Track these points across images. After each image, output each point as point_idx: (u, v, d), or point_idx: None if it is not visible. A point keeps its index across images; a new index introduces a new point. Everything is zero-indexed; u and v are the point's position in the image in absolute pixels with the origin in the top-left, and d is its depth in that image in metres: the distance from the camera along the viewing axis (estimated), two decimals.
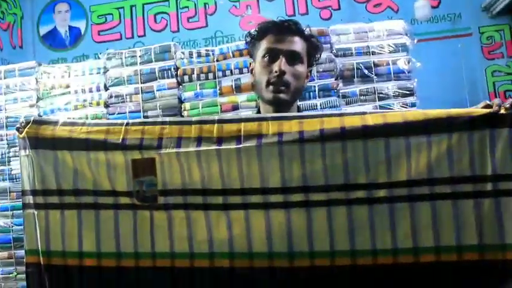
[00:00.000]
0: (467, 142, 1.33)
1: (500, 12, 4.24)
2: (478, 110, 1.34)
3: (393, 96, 3.23)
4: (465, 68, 4.30)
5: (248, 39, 1.78)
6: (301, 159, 1.37)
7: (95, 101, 3.51)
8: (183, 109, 3.40)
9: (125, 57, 3.52)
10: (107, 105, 3.51)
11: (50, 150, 1.50)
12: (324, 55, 3.26)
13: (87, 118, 3.47)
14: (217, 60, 3.41)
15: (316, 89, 3.26)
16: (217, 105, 3.33)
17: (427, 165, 1.34)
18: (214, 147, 1.40)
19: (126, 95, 3.47)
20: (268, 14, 4.92)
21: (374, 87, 3.24)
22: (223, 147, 1.40)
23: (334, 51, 3.29)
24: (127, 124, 1.49)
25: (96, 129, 1.48)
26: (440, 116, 1.34)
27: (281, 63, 1.61)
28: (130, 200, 1.46)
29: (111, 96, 3.49)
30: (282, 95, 1.63)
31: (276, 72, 1.61)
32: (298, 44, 1.67)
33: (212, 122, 1.44)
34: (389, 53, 3.27)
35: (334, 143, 1.36)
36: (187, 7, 5.13)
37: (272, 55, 1.64)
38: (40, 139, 1.51)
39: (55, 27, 5.36)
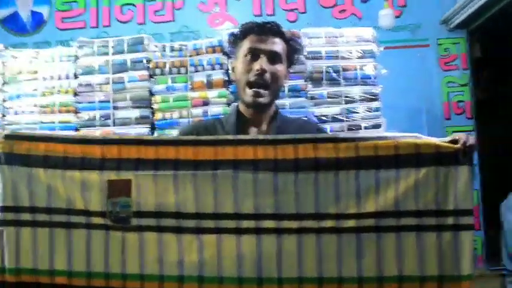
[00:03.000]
0: (433, 177, 1.44)
1: (457, 25, 4.44)
2: (445, 145, 1.45)
3: (359, 100, 3.36)
4: (423, 77, 4.49)
5: (231, 38, 1.83)
6: (274, 188, 1.45)
7: (64, 89, 3.48)
8: (153, 102, 3.42)
9: (97, 47, 3.50)
10: (75, 94, 3.49)
11: (24, 167, 1.50)
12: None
13: (54, 105, 3.45)
14: (190, 56, 3.45)
15: (286, 89, 3.35)
16: (187, 100, 3.37)
17: (395, 198, 1.44)
18: (190, 171, 1.45)
19: (96, 85, 3.45)
20: (235, 13, 4.99)
21: (341, 91, 3.37)
22: (199, 171, 1.45)
23: (305, 53, 3.39)
24: (104, 142, 1.51)
25: (72, 147, 1.50)
26: (409, 152, 1.44)
27: (262, 62, 1.68)
28: (104, 220, 1.48)
29: (80, 85, 3.47)
30: (261, 99, 1.70)
31: (257, 70, 1.67)
32: (279, 45, 1.74)
33: (188, 143, 1.49)
34: (358, 58, 3.40)
35: (307, 173, 1.45)
36: (154, 0, 5.12)
37: (254, 54, 1.70)
38: (15, 155, 1.51)
39: (16, 11, 5.23)
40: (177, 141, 1.54)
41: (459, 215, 1.44)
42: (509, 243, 3.60)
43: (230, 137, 1.57)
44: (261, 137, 1.58)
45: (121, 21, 5.12)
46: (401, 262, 1.43)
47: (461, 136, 1.45)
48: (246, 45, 1.72)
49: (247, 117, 1.78)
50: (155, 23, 5.01)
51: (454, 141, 1.45)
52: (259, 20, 1.85)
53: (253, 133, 1.76)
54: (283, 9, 4.94)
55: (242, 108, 1.80)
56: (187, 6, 5.04)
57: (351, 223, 1.45)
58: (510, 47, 4.57)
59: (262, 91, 1.68)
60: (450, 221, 1.43)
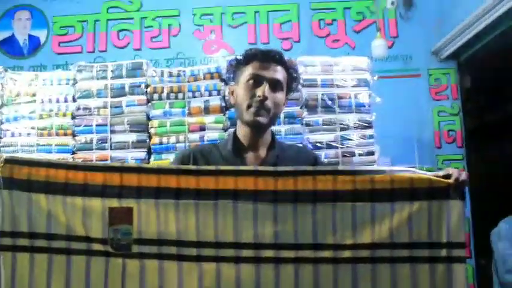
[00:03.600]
0: (426, 211, 1.50)
1: (448, 57, 4.56)
2: (438, 179, 1.52)
3: (353, 127, 3.42)
4: (414, 106, 4.58)
5: (234, 62, 1.89)
6: (273, 218, 1.49)
7: (62, 112, 3.50)
8: (150, 126, 3.45)
9: (96, 71, 3.54)
10: (73, 117, 3.51)
11: (25, 192, 1.51)
12: None
13: (51, 128, 3.46)
14: (188, 81, 3.50)
15: (282, 115, 3.40)
16: (185, 125, 3.41)
17: (389, 230, 1.50)
18: (192, 200, 1.50)
19: (94, 108, 3.48)
20: (231, 40, 5.07)
21: (336, 118, 3.43)
22: (201, 201, 1.50)
23: (301, 81, 3.45)
24: (106, 169, 1.54)
25: (74, 174, 1.51)
26: (404, 186, 1.51)
27: (265, 89, 1.73)
28: (104, 247, 1.50)
29: (78, 108, 3.49)
30: (261, 119, 1.74)
31: (259, 96, 1.72)
32: (280, 73, 1.80)
33: (190, 173, 1.52)
34: (352, 86, 3.47)
35: (305, 205, 1.50)
36: (151, 26, 5.19)
37: (257, 80, 1.75)
38: (15, 180, 1.51)
39: (13, 34, 5.28)
40: (179, 170, 1.56)
41: (452, 247, 1.49)
42: (500, 271, 3.64)
43: (232, 167, 1.59)
44: (261, 168, 1.61)
45: (117, 47, 5.18)
46: None
47: (453, 171, 1.53)
48: (248, 70, 1.77)
49: (245, 142, 1.81)
50: (151, 49, 5.08)
51: (447, 176, 1.52)
52: (254, 48, 1.91)
53: (250, 158, 1.79)
54: (278, 38, 5.03)
55: (240, 133, 1.84)
56: (183, 33, 5.12)
57: (347, 254, 1.49)
58: (498, 77, 4.69)
59: (263, 111, 1.73)
60: (443, 253, 1.49)
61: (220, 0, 5.09)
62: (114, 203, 1.50)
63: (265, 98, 1.72)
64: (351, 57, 3.62)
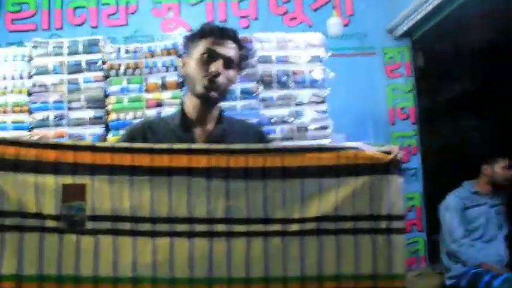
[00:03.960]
0: (368, 186, 1.59)
1: (402, 35, 4.68)
2: (379, 156, 1.61)
3: (308, 103, 3.51)
4: (369, 84, 4.69)
5: (189, 36, 1.89)
6: (226, 194, 1.55)
7: (17, 89, 3.49)
8: (107, 102, 3.47)
9: (52, 47, 3.53)
10: (29, 94, 3.50)
11: None
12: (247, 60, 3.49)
13: (6, 105, 3.45)
14: (145, 57, 3.52)
15: (238, 91, 3.47)
16: (142, 101, 3.44)
17: (335, 204, 1.58)
18: (146, 176, 1.53)
19: (50, 85, 3.48)
20: (189, 18, 5.07)
21: (291, 94, 3.51)
22: (155, 177, 1.53)
23: (257, 57, 3.52)
24: (58, 147, 1.54)
25: (26, 150, 1.51)
26: (349, 162, 1.59)
27: (218, 65, 1.76)
28: (58, 223, 1.50)
29: (34, 85, 3.49)
30: (213, 93, 1.78)
31: (213, 72, 1.75)
32: (234, 51, 1.82)
33: (143, 151, 1.55)
34: (307, 62, 3.55)
35: (256, 181, 1.57)
36: (108, 4, 5.14)
37: (211, 56, 1.77)
38: None
39: None
40: (133, 148, 1.57)
41: (391, 219, 1.58)
42: (446, 240, 3.82)
43: (185, 145, 1.60)
44: (214, 146, 1.63)
45: (73, 24, 5.12)
46: (340, 262, 1.56)
47: (393, 148, 1.62)
48: (203, 44, 1.78)
49: (193, 116, 1.84)
50: (109, 26, 5.02)
51: (388, 152, 1.61)
52: None
53: (198, 132, 1.83)
54: (236, 16, 5.06)
55: (189, 106, 1.86)
56: (141, 11, 5.09)
57: (295, 227, 1.56)
58: (450, 54, 4.84)
59: (215, 86, 1.76)
60: (383, 224, 1.58)
61: None
62: (68, 179, 1.51)
63: (218, 74, 1.75)
64: (306, 34, 3.70)
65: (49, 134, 3.41)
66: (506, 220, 3.99)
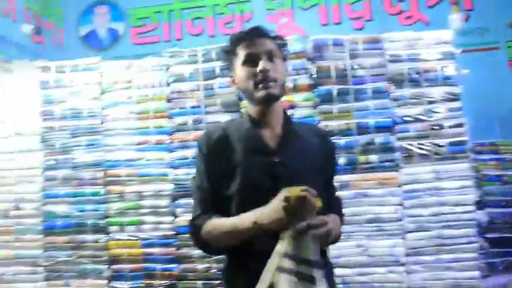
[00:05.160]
0: None
1: None
2: None
3: (440, 100, 3.46)
4: (493, 80, 4.55)
5: (224, 54, 1.87)
6: None
7: (157, 96, 3.69)
8: (242, 106, 3.58)
9: (187, 56, 3.71)
10: (168, 100, 3.70)
11: None
12: (377, 60, 3.51)
13: (148, 112, 3.67)
14: None
15: (369, 91, 3.48)
16: None
17: None
18: None
19: (187, 91, 3.66)
20: (302, 23, 5.16)
21: (423, 92, 3.48)
22: None
23: (387, 56, 3.51)
24: None
25: None
26: None
27: (263, 63, 1.72)
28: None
29: (173, 92, 3.68)
30: (272, 90, 1.73)
31: (261, 71, 1.71)
32: (270, 44, 1.78)
33: None
34: (438, 60, 3.50)
35: None
36: (223, 13, 5.34)
37: (252, 59, 1.74)
38: None
39: (94, 28, 5.54)
40: None
41: None
42: None
43: None
44: None
45: (192, 34, 5.37)
46: None
47: None
48: (241, 53, 1.76)
49: (259, 120, 1.81)
50: (225, 35, 5.20)
51: None
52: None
53: (267, 135, 1.79)
54: (350, 18, 5.09)
55: (254, 109, 1.82)
56: (256, 17, 5.25)
57: None
58: None
59: (271, 83, 1.72)
60: None
61: None
62: None
63: (267, 70, 1.72)
64: (434, 31, 3.64)
65: (188, 137, 3.59)
66: None
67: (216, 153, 1.75)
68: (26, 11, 5.23)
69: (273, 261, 1.38)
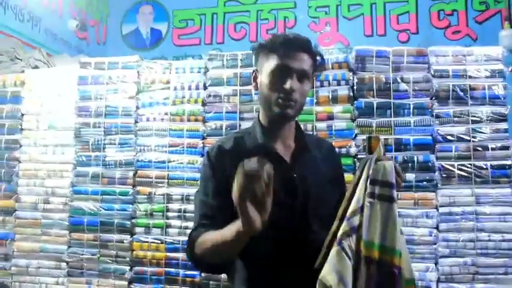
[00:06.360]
0: None
1: None
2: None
3: (486, 120, 3.30)
4: None
5: (258, 49, 1.79)
6: None
7: (193, 99, 3.65)
8: None
9: (226, 59, 3.65)
10: (204, 104, 3.64)
11: None
12: (421, 75, 3.38)
13: (183, 114, 3.63)
14: None
15: (411, 107, 3.35)
16: (312, 114, 3.44)
17: None
18: None
19: (224, 96, 3.60)
20: (346, 32, 5.06)
21: (468, 110, 3.33)
22: None
23: (432, 71, 3.38)
24: None
25: None
26: None
27: (292, 82, 1.66)
28: None
29: (209, 96, 3.63)
30: (290, 111, 1.69)
31: (287, 89, 1.66)
32: (307, 62, 1.70)
33: None
34: (486, 77, 3.35)
35: None
36: (267, 19, 5.29)
37: (283, 72, 1.68)
38: None
39: (137, 27, 5.57)
40: None
41: None
42: None
43: None
44: None
45: (234, 39, 5.34)
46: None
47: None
48: (275, 59, 1.69)
49: (271, 133, 1.77)
50: None
51: None
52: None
53: (279, 148, 1.75)
54: (395, 30, 4.97)
55: (266, 119, 1.79)
56: (299, 25, 5.19)
57: None
58: None
59: (291, 103, 1.68)
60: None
61: None
62: None
63: (293, 91, 1.66)
64: (484, 47, 3.48)
65: None
66: None
67: (228, 166, 1.60)
68: (72, 7, 5.30)
69: (362, 187, 1.53)
